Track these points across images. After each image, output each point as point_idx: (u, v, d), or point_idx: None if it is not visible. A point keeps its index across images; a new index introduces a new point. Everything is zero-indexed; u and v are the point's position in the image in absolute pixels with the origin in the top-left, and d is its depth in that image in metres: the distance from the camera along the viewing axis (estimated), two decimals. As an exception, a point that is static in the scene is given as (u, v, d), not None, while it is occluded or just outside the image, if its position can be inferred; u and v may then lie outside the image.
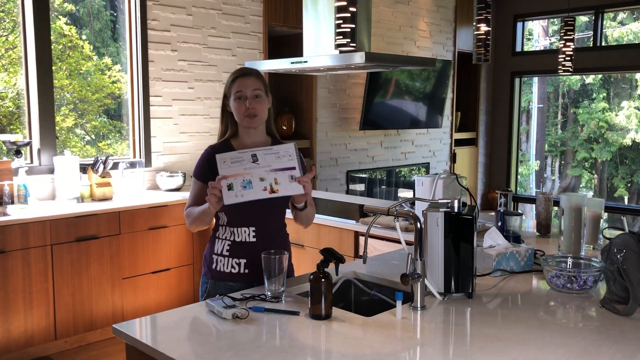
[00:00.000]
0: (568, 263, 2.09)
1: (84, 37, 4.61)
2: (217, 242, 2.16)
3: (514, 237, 2.54)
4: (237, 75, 2.11)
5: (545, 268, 2.01)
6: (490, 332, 1.63)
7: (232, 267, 2.12)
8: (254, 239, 2.11)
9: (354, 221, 3.39)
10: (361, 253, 3.29)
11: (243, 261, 2.12)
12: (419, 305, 1.79)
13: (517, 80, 8.16)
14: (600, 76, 9.65)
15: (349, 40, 3.17)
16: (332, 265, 1.80)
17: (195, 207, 2.11)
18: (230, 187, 1.95)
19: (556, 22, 9.15)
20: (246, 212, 2.10)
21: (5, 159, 3.99)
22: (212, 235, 2.20)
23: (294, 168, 2.00)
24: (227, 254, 2.13)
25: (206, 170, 2.13)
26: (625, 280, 1.77)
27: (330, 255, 1.78)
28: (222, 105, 2.17)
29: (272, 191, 1.97)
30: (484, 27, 4.09)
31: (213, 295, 2.10)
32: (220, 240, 2.15)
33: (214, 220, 2.18)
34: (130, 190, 4.37)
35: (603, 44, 7.68)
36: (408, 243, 1.96)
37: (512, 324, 1.69)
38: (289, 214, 2.21)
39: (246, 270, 2.12)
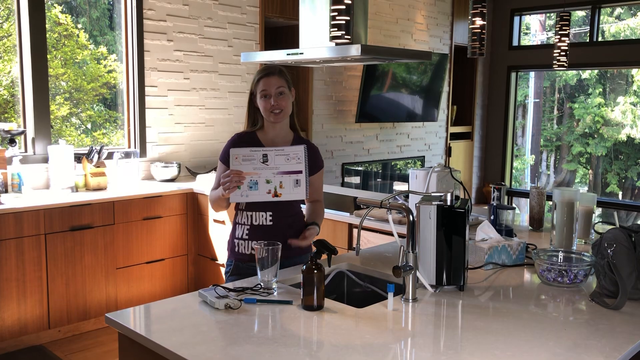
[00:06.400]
0: (559, 257, 2.10)
1: (79, 25, 4.59)
2: (238, 228, 2.34)
3: (507, 231, 2.56)
4: (262, 75, 2.28)
5: (536, 262, 2.03)
6: (480, 324, 1.64)
7: (252, 249, 2.27)
8: (271, 223, 2.27)
9: (348, 213, 3.39)
10: (355, 245, 3.30)
11: (262, 243, 2.20)
12: (410, 297, 1.81)
13: (513, 75, 8.16)
14: (596, 71, 9.66)
15: (344, 32, 3.16)
16: (325, 257, 1.81)
17: (217, 189, 2.29)
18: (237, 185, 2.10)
19: (553, 17, 9.14)
20: None
21: (-1, 147, 3.98)
22: (234, 221, 2.38)
23: (300, 172, 2.15)
24: (247, 237, 2.30)
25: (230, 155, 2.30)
26: (615, 275, 1.79)
27: (323, 247, 1.79)
28: (249, 100, 2.36)
29: (276, 195, 2.13)
30: (479, 21, 4.08)
31: (237, 274, 2.28)
32: (240, 225, 2.33)
33: (234, 205, 2.35)
34: (124, 180, 4.37)
35: (600, 39, 7.68)
36: (401, 235, 1.97)
37: (503, 317, 1.70)
38: None
39: None
